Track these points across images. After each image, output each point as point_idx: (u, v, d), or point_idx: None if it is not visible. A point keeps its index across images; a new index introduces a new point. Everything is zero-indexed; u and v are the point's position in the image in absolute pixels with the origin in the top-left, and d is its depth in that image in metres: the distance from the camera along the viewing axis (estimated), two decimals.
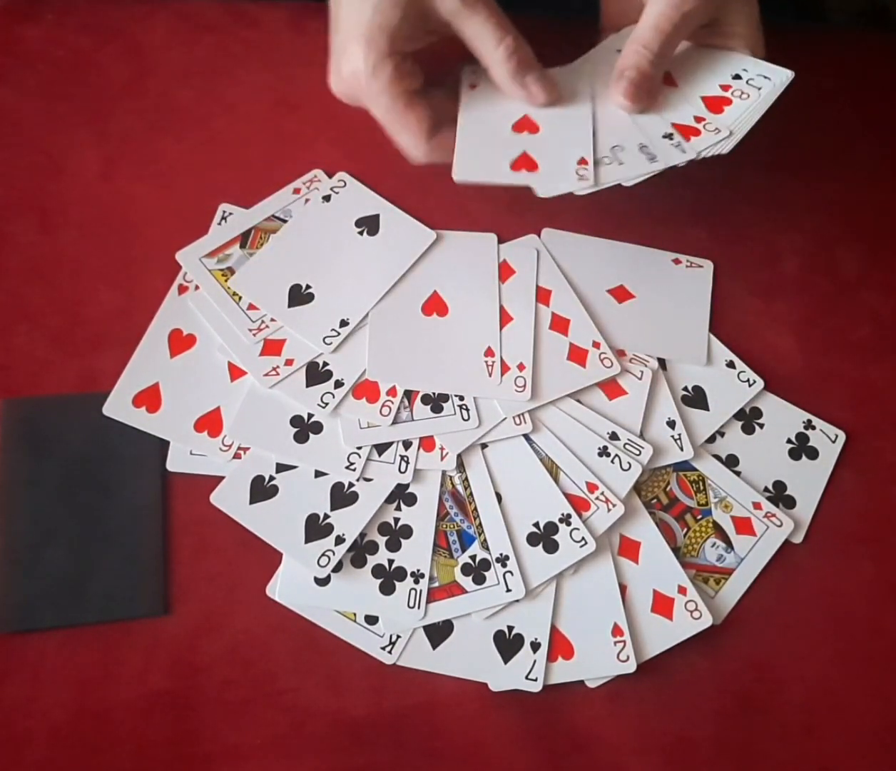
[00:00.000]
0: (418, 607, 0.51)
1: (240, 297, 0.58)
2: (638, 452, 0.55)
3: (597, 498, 0.53)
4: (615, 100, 0.56)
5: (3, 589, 0.50)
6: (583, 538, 0.52)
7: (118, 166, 0.63)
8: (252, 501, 0.53)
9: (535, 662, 0.51)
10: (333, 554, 0.52)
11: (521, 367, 0.56)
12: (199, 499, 0.53)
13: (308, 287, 0.59)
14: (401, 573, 0.52)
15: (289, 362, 0.56)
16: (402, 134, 0.55)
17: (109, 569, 0.51)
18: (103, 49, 0.68)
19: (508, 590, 0.51)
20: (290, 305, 0.58)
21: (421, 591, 0.51)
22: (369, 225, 0.62)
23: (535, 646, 0.51)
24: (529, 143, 0.54)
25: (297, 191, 0.63)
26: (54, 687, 0.49)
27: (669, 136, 0.54)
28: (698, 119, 0.55)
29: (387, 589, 0.52)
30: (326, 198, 0.63)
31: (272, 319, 0.58)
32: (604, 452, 0.55)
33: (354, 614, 0.51)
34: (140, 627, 0.51)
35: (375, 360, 0.57)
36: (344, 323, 0.58)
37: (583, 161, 0.53)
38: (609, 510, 0.53)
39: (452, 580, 0.52)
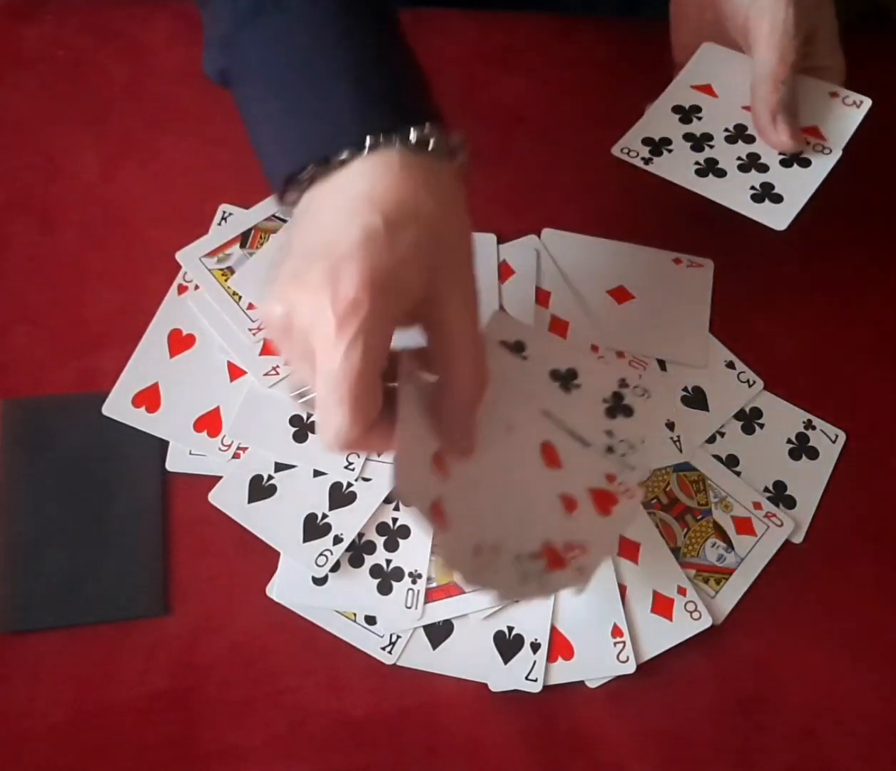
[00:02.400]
0: (416, 608, 0.51)
1: (240, 297, 0.58)
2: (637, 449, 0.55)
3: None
4: (777, 143, 0.56)
5: (3, 589, 0.50)
6: None
7: (118, 166, 0.64)
8: (251, 501, 0.53)
9: (535, 662, 0.51)
10: (331, 554, 0.52)
11: None
12: (199, 499, 0.53)
13: None
14: (398, 573, 0.52)
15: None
16: (341, 414, 0.42)
17: (109, 569, 0.51)
18: (103, 49, 0.68)
19: None
20: None
21: (418, 591, 0.51)
22: None
23: (535, 646, 0.51)
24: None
25: None
26: (54, 687, 0.49)
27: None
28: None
29: (384, 589, 0.52)
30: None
31: None
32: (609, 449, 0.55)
33: (354, 614, 0.51)
34: (140, 627, 0.51)
35: None
36: None
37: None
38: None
39: (450, 581, 0.52)
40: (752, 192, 0.55)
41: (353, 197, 0.44)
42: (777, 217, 0.54)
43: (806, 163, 0.56)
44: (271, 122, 0.48)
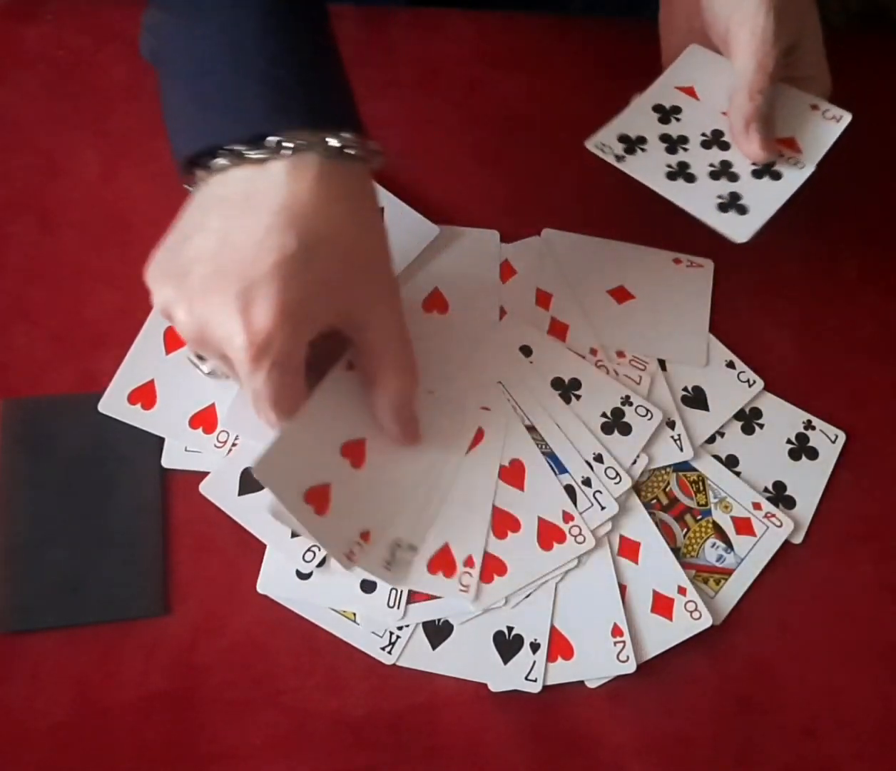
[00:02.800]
0: (398, 608, 0.51)
1: None
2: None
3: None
4: (748, 152, 0.55)
5: (2, 589, 0.50)
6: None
7: (118, 166, 0.63)
8: (241, 493, 0.53)
9: (534, 662, 0.51)
10: (319, 549, 0.52)
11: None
12: (199, 499, 0.53)
13: None
14: None
15: None
16: (271, 415, 0.47)
17: (109, 569, 0.51)
18: (103, 49, 0.68)
19: None
20: None
21: (402, 591, 0.51)
22: None
23: (535, 646, 0.51)
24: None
25: None
26: (54, 687, 0.49)
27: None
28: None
29: (368, 587, 0.52)
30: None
31: None
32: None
33: (354, 614, 0.51)
34: (140, 627, 0.51)
35: None
36: None
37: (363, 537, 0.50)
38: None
39: None
40: (720, 200, 0.54)
41: (269, 208, 0.44)
42: (739, 229, 0.53)
43: (777, 176, 0.55)
44: (183, 104, 0.48)
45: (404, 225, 0.61)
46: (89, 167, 0.63)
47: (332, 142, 0.45)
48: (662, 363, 0.59)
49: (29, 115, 0.65)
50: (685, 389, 0.59)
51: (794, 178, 0.55)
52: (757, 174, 0.55)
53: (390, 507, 0.52)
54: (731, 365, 0.60)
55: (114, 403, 0.55)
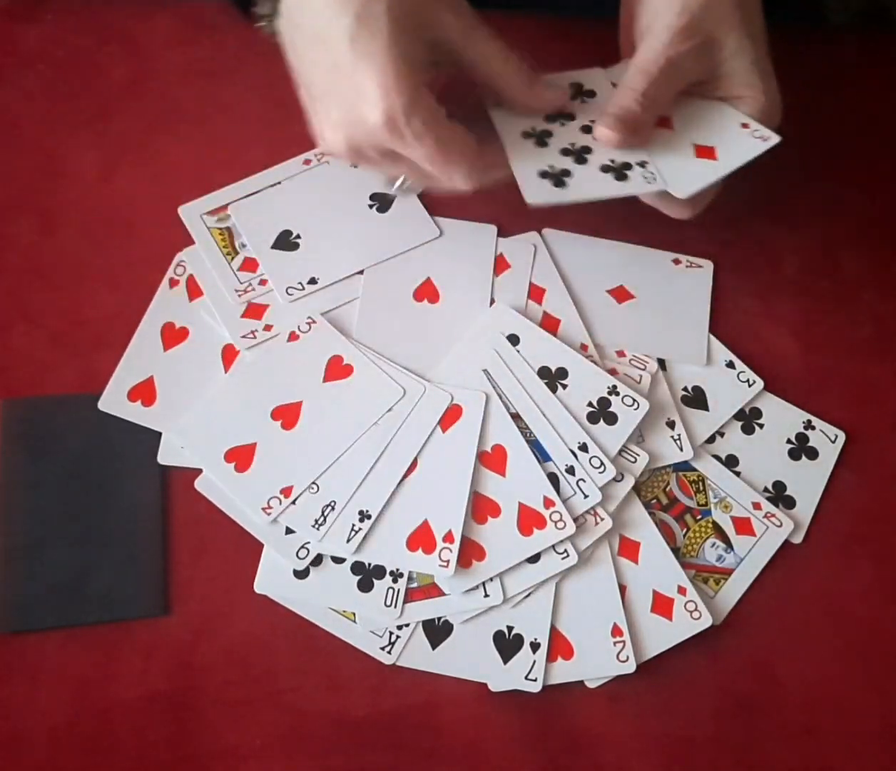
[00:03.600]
0: (395, 607, 0.51)
1: (232, 257, 0.59)
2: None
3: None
4: (597, 133, 0.54)
5: (2, 589, 0.50)
6: (565, 551, 0.52)
7: (118, 166, 0.64)
8: None
9: (534, 662, 0.51)
10: (312, 546, 0.52)
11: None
12: (199, 499, 0.53)
13: (297, 236, 0.60)
14: (380, 571, 0.52)
15: (267, 328, 0.57)
16: (455, 166, 0.52)
17: (109, 569, 0.51)
18: (103, 49, 0.68)
19: (486, 595, 0.51)
20: (273, 247, 0.59)
21: (399, 590, 0.51)
22: (382, 202, 0.62)
23: (535, 646, 0.51)
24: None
25: (307, 162, 0.63)
26: (54, 687, 0.49)
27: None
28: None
29: (365, 586, 0.52)
30: (354, 165, 0.63)
31: (260, 282, 0.58)
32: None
33: (354, 614, 0.51)
34: (140, 627, 0.51)
35: (363, 324, 0.58)
36: (312, 281, 0.58)
37: None
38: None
39: (431, 582, 0.52)
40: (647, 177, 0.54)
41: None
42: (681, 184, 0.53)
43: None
44: None
45: (409, 220, 0.62)
46: (89, 167, 0.63)
47: None
48: (662, 363, 0.59)
49: (29, 115, 0.65)
50: (685, 389, 0.59)
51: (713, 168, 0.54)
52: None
53: (316, 463, 0.53)
54: (731, 365, 0.60)
55: (113, 401, 0.55)
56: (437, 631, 0.51)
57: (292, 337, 0.56)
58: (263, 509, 0.52)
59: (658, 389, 0.58)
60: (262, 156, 0.64)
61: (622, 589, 0.53)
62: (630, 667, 0.51)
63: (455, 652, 0.51)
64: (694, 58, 0.54)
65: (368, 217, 0.61)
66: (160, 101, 0.66)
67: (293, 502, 0.52)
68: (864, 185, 0.67)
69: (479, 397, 0.55)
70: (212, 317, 0.57)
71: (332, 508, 0.52)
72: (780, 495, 0.56)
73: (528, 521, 0.52)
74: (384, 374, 0.56)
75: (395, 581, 0.52)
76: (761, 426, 0.58)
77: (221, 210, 0.61)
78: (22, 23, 0.68)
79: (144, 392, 0.56)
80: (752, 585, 0.54)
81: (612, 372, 0.58)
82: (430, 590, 0.52)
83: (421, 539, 0.52)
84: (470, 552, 0.52)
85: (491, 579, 0.51)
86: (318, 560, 0.52)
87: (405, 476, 0.53)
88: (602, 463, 0.54)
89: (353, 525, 0.52)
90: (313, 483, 0.53)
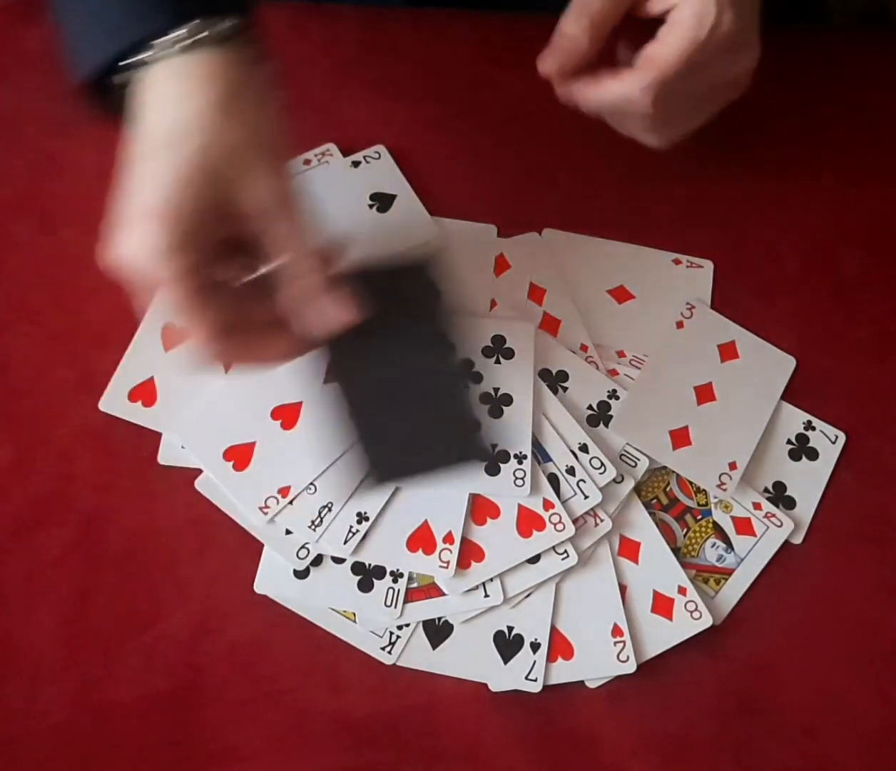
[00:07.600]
0: (395, 607, 0.51)
1: None
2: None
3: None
4: (539, 65, 0.54)
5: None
6: (565, 551, 0.52)
7: (118, 166, 0.63)
8: None
9: (534, 662, 0.51)
10: (311, 547, 0.52)
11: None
12: (200, 499, 0.53)
13: None
14: (380, 571, 0.52)
15: None
16: (194, 329, 0.45)
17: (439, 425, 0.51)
18: None
19: (486, 596, 0.51)
20: None
21: (399, 590, 0.52)
22: (382, 202, 0.62)
23: (535, 646, 0.51)
24: None
25: (307, 162, 0.64)
26: (54, 687, 0.49)
27: None
28: None
29: (365, 586, 0.52)
30: (356, 164, 0.63)
31: None
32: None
33: (354, 614, 0.51)
34: (140, 626, 0.51)
35: None
36: None
37: None
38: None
39: (431, 582, 0.52)
40: None
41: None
42: None
43: None
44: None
45: (408, 219, 0.62)
46: (89, 167, 0.63)
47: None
48: None
49: (29, 115, 0.65)
50: None
51: None
52: None
53: (315, 464, 0.53)
54: None
55: (114, 402, 0.55)
56: (438, 631, 0.51)
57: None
58: (260, 508, 0.52)
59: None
60: None
61: (622, 589, 0.53)
62: (630, 667, 0.51)
63: (455, 652, 0.51)
64: None
65: (368, 217, 0.61)
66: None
67: (290, 502, 0.52)
68: (864, 184, 0.67)
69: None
70: None
71: (329, 509, 0.52)
72: (780, 495, 0.56)
73: (528, 523, 0.52)
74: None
75: (395, 581, 0.52)
76: None
77: None
78: (22, 23, 0.68)
79: (145, 393, 0.56)
80: (753, 585, 0.54)
81: (612, 373, 0.58)
82: (430, 590, 0.52)
83: (421, 540, 0.52)
84: (469, 553, 0.52)
85: (491, 580, 0.52)
86: (318, 560, 0.52)
87: None
88: (602, 464, 0.54)
89: (351, 526, 0.52)
90: (311, 484, 0.53)
